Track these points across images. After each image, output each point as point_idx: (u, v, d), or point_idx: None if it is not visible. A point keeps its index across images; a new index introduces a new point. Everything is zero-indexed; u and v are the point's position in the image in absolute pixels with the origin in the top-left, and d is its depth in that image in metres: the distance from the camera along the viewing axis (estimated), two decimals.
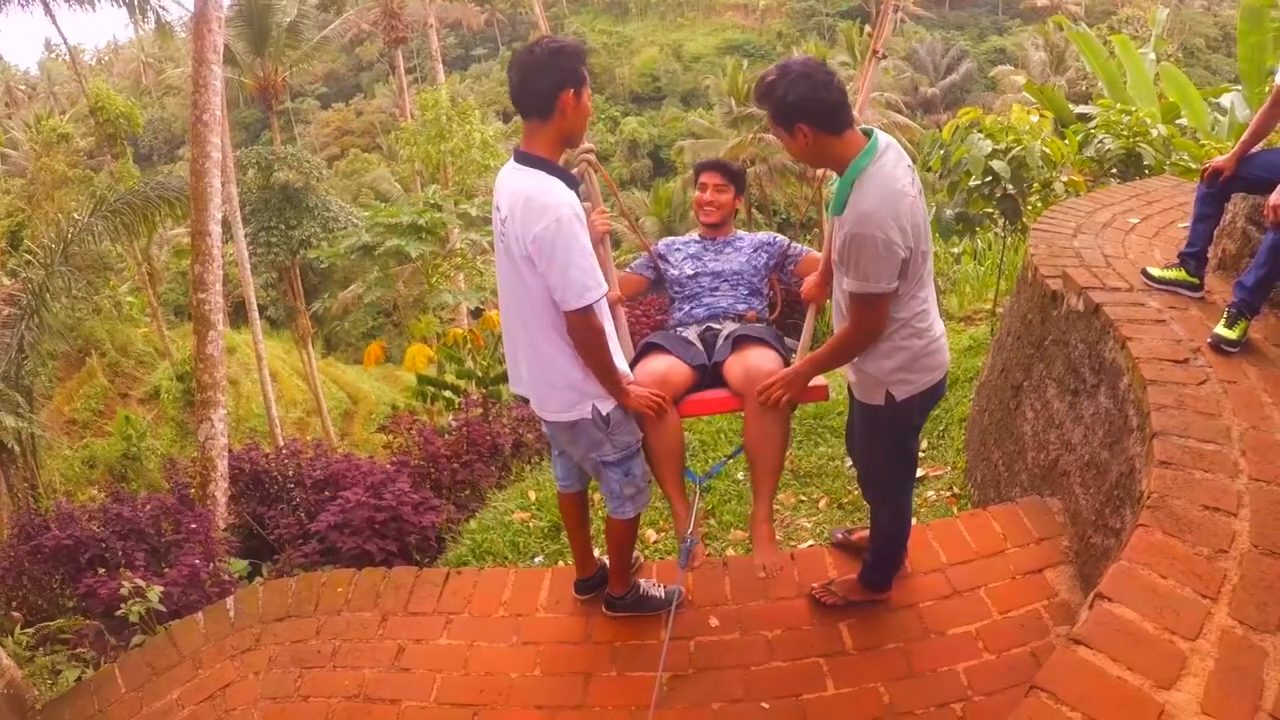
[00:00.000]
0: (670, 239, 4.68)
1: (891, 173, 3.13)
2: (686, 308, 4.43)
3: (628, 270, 4.63)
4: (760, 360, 3.83)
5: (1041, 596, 4.00)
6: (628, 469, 3.75)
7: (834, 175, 3.33)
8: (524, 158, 3.33)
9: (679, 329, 4.35)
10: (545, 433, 4.38)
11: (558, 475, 4.17)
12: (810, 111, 3.09)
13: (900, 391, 3.47)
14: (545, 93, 3.22)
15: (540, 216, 3.17)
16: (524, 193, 3.24)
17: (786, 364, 3.87)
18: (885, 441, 3.72)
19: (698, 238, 4.58)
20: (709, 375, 4.03)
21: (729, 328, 4.21)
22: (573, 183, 3.39)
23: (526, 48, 3.25)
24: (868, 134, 3.21)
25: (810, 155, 3.26)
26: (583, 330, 3.33)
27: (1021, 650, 3.75)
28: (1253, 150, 4.31)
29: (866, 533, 4.17)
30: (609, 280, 3.89)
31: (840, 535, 4.55)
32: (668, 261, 4.55)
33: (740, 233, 4.60)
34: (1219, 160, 4.36)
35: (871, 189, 3.10)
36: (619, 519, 3.92)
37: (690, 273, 4.45)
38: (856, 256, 3.12)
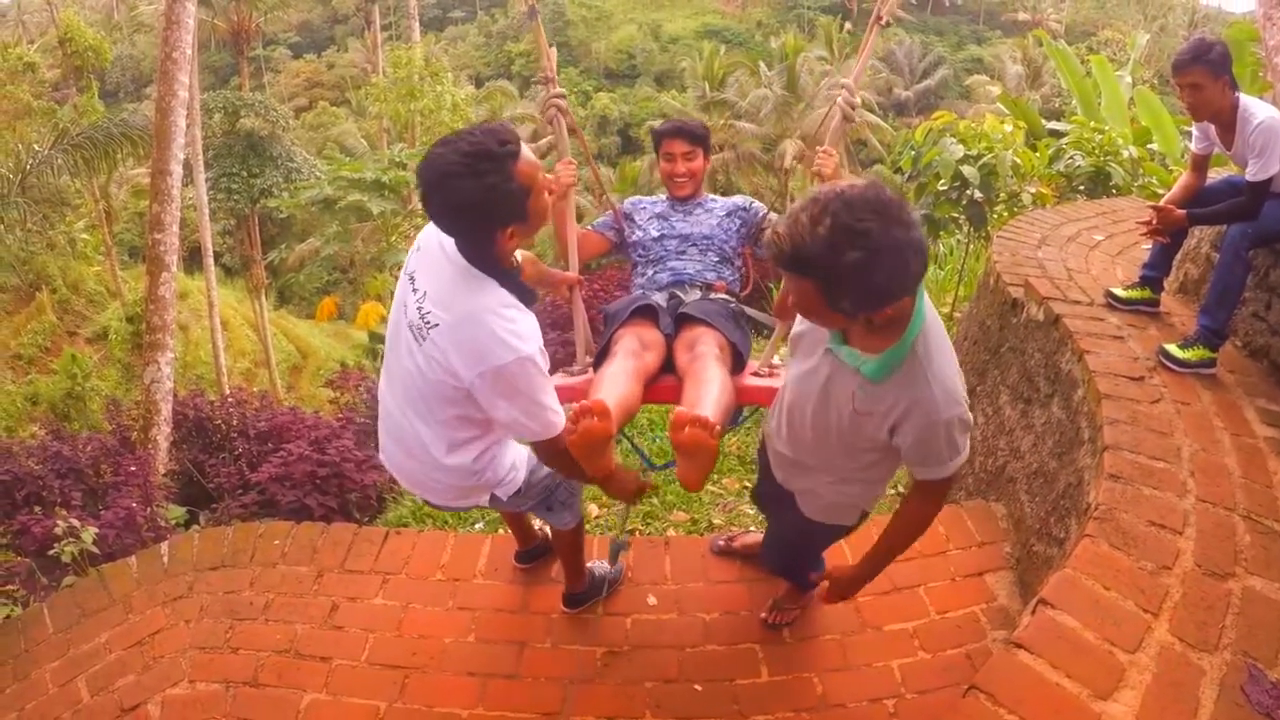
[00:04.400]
0: (637, 198, 4.29)
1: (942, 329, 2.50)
2: (650, 272, 4.04)
3: (589, 228, 4.20)
4: (709, 346, 3.39)
5: (980, 600, 4.03)
6: (549, 502, 3.48)
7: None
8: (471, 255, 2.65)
9: (645, 292, 3.94)
10: None
11: None
12: (889, 289, 2.17)
13: (874, 505, 3.10)
14: (480, 242, 2.59)
15: (488, 356, 2.56)
16: (471, 315, 2.57)
17: (735, 351, 3.53)
18: (820, 544, 3.47)
19: (666, 198, 4.19)
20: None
21: (693, 296, 3.85)
22: (532, 300, 2.75)
23: (444, 168, 2.41)
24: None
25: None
26: (553, 456, 2.87)
27: (957, 651, 3.78)
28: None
29: (750, 539, 4.20)
30: (571, 239, 3.80)
31: (721, 543, 4.43)
32: (633, 222, 4.17)
33: (712, 196, 4.20)
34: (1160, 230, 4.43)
35: (946, 346, 2.49)
36: (561, 529, 3.74)
37: (655, 234, 4.08)
38: (962, 438, 2.54)
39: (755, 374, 3.69)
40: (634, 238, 4.14)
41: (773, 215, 4.09)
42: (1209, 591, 2.76)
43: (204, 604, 4.28)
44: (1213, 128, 4.14)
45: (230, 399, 9.58)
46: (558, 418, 2.74)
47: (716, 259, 4.03)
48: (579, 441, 2.67)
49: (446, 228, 2.56)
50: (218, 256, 31.56)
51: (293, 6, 40.21)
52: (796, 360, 2.82)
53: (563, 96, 3.64)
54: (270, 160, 27.44)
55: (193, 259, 32.06)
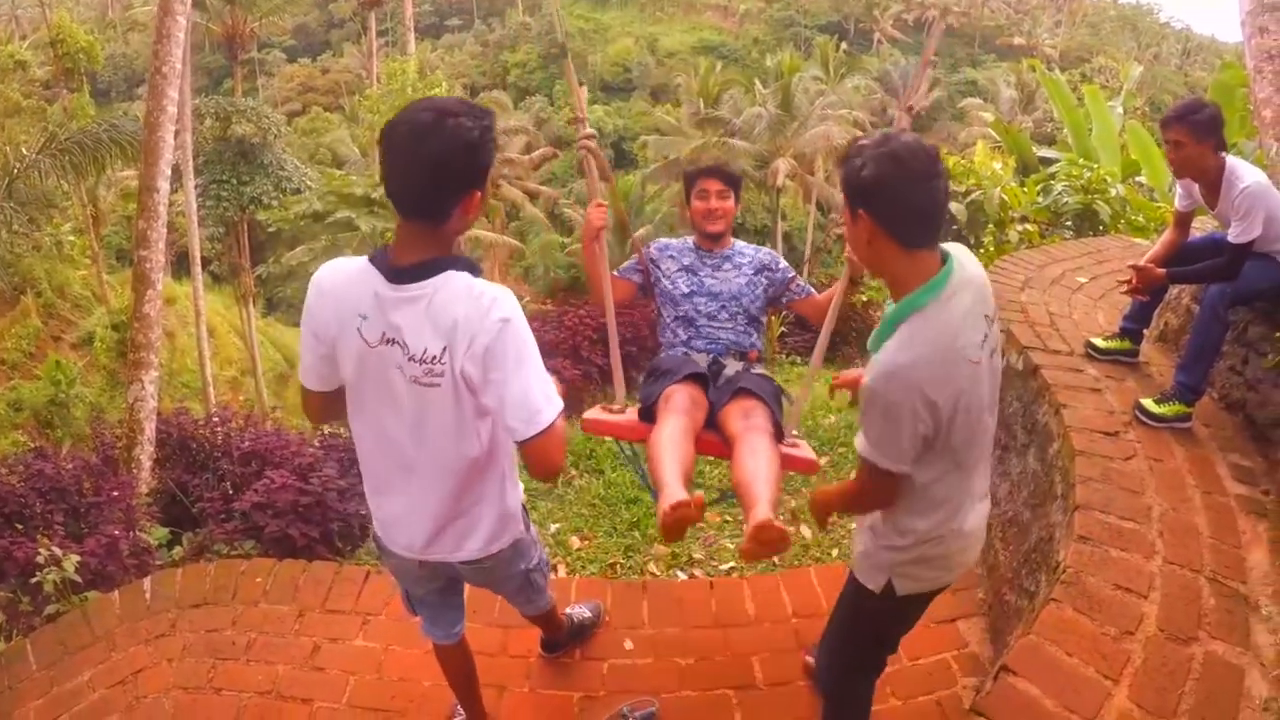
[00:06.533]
0: (664, 242, 4.39)
1: (955, 323, 2.40)
2: (684, 335, 4.19)
3: (615, 274, 4.30)
4: (759, 422, 3.61)
5: (952, 646, 4.07)
6: (541, 559, 3.27)
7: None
8: (417, 271, 2.46)
9: (687, 352, 4.14)
10: (403, 581, 3.22)
11: (437, 630, 3.34)
12: (882, 196, 2.36)
13: (904, 585, 2.76)
14: (446, 200, 2.43)
15: (485, 319, 2.42)
16: (453, 301, 2.44)
17: (777, 427, 3.71)
18: (864, 629, 3.02)
19: (693, 245, 4.30)
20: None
21: (732, 367, 4.05)
22: (477, 273, 2.56)
23: (415, 126, 2.36)
24: (944, 258, 2.47)
25: (866, 257, 2.54)
26: (554, 449, 2.53)
27: (928, 699, 3.81)
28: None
29: None
30: (605, 281, 3.99)
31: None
32: (659, 269, 4.28)
33: (739, 244, 4.34)
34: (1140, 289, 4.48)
35: (920, 339, 2.38)
36: (539, 613, 3.64)
37: (685, 290, 4.19)
38: (869, 415, 2.46)
39: (785, 444, 3.81)
40: (660, 286, 4.26)
41: (800, 282, 4.28)
42: (1170, 656, 2.80)
43: (186, 642, 4.30)
44: (1196, 186, 4.20)
45: (215, 417, 9.55)
46: (558, 398, 2.58)
47: (745, 321, 4.18)
48: (672, 525, 2.99)
49: (419, 186, 2.40)
50: (206, 263, 31.39)
51: (288, 10, 40.08)
52: None
53: (593, 137, 3.81)
54: (261, 168, 27.27)
55: (180, 264, 31.92)
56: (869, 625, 2.97)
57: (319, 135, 54.37)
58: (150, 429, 9.60)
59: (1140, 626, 2.91)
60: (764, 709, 3.80)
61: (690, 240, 4.32)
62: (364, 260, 2.55)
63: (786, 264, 4.34)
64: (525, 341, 2.47)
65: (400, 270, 2.46)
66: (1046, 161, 11.39)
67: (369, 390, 2.61)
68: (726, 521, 6.03)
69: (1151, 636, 2.87)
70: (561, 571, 5.45)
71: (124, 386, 11.47)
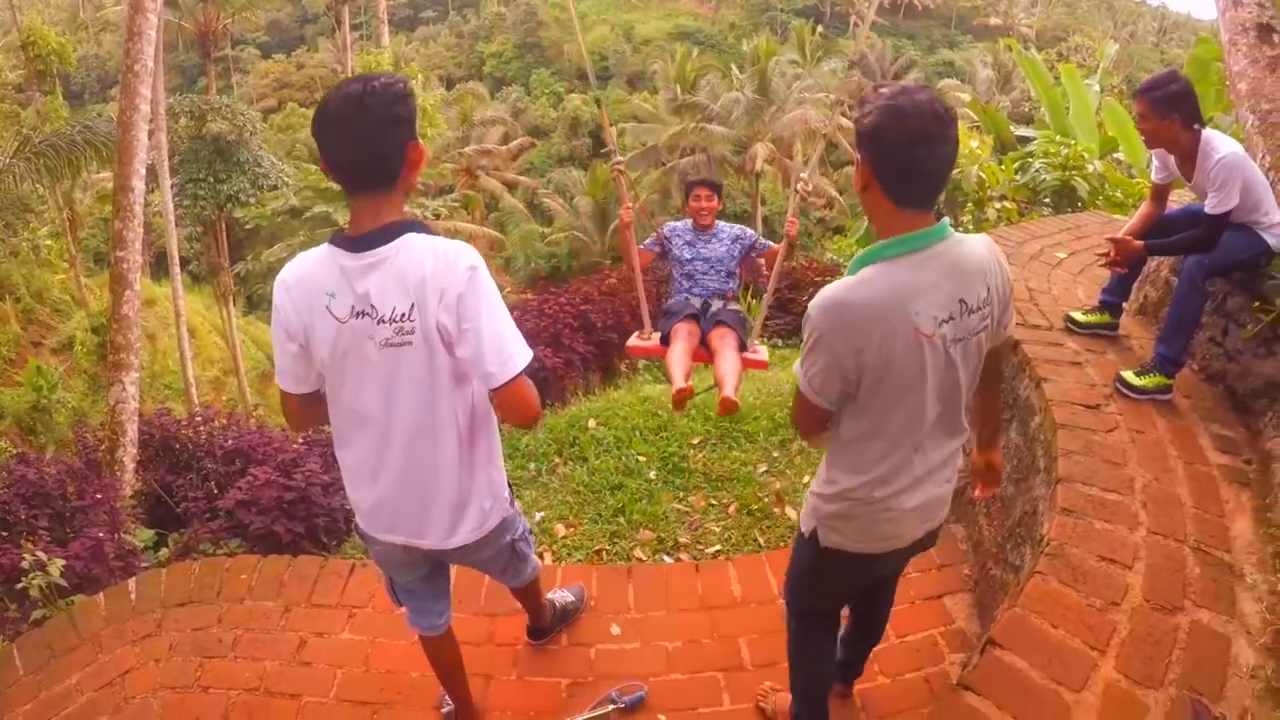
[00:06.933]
0: (671, 225, 6.28)
1: (914, 285, 2.38)
2: (687, 285, 6.08)
3: (642, 246, 6.19)
4: (730, 341, 5.58)
5: (939, 623, 4.08)
6: (525, 528, 3.32)
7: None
8: (376, 237, 2.54)
9: (693, 296, 6.02)
10: (388, 569, 3.24)
11: (423, 620, 3.37)
12: (878, 148, 2.37)
13: (826, 536, 2.79)
14: (393, 156, 2.53)
15: (453, 270, 2.50)
16: (418, 259, 2.51)
17: (742, 342, 5.65)
18: (797, 572, 3.09)
19: (691, 227, 6.16)
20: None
21: (715, 305, 5.96)
22: (431, 231, 2.65)
23: (347, 98, 2.45)
24: (941, 230, 2.44)
25: (863, 201, 2.52)
26: (530, 393, 2.65)
27: (916, 675, 3.83)
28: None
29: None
30: (635, 254, 5.91)
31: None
32: (670, 243, 6.16)
33: (721, 225, 6.21)
34: (1119, 262, 4.50)
35: (872, 285, 2.39)
36: (524, 583, 3.65)
37: (688, 257, 6.09)
38: (804, 338, 2.50)
39: (747, 352, 5.66)
40: (672, 254, 6.17)
41: (762, 241, 6.16)
42: (1156, 626, 2.81)
43: (173, 642, 4.28)
44: (1172, 159, 4.20)
45: (197, 417, 9.48)
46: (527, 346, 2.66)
47: (725, 274, 6.07)
48: (679, 400, 5.23)
49: (367, 150, 2.49)
50: (184, 263, 31.19)
51: (261, 7, 39.83)
52: None
53: (621, 162, 5.88)
54: (237, 165, 27.13)
55: (159, 265, 31.73)
56: (800, 570, 3.04)
57: (295, 131, 54.10)
58: (133, 430, 9.50)
59: (1125, 597, 2.91)
60: (752, 689, 3.79)
61: (689, 223, 6.17)
62: (324, 245, 2.63)
63: (752, 231, 6.28)
64: (493, 289, 2.57)
65: (359, 239, 2.53)
66: (1024, 140, 11.40)
67: (347, 368, 2.64)
68: (711, 505, 6.04)
69: (1137, 607, 2.88)
70: (547, 559, 5.45)
71: (105, 390, 11.37)
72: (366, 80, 2.46)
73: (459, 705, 3.66)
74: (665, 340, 5.83)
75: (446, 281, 2.48)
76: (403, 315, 2.51)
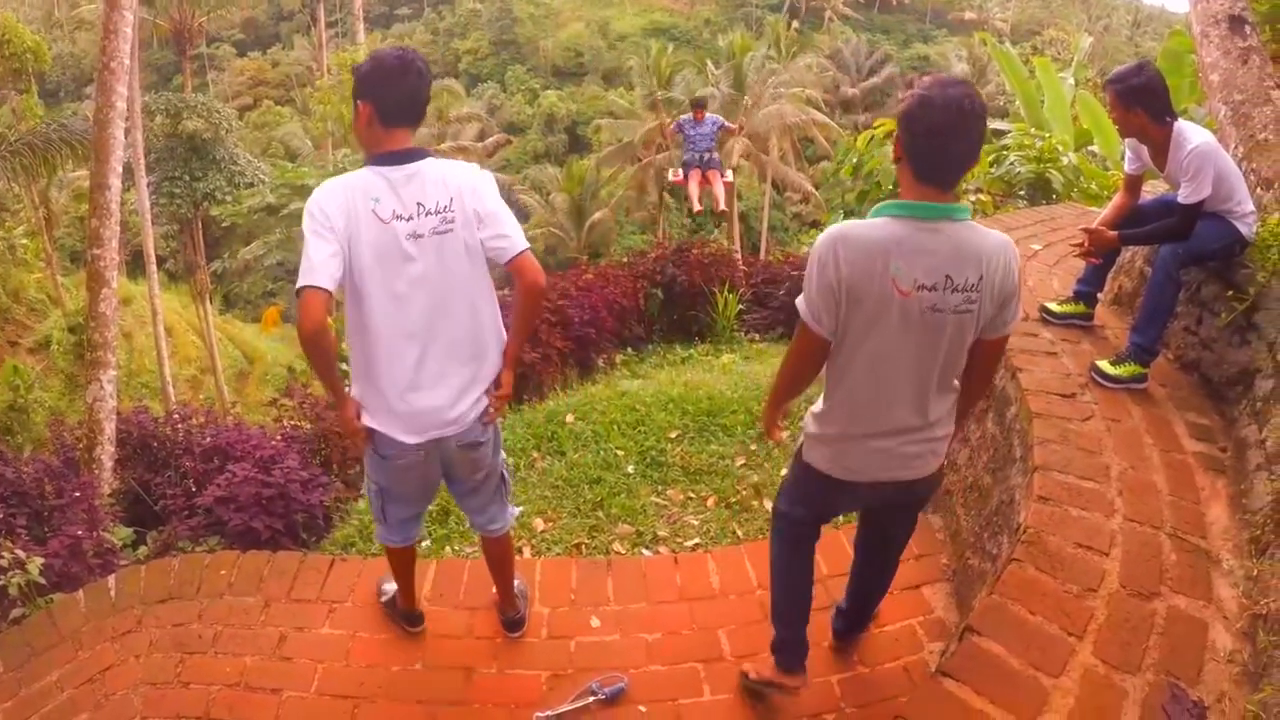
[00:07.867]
0: (682, 119, 14.20)
1: (904, 244, 2.68)
2: (692, 149, 13.65)
3: (673, 127, 16.10)
4: (714, 176, 13.84)
5: (918, 612, 4.11)
6: (509, 476, 3.95)
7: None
8: (411, 155, 3.29)
9: (696, 154, 13.62)
10: (395, 487, 3.66)
11: (397, 537, 3.85)
12: (906, 131, 2.69)
13: (809, 453, 3.16)
14: (425, 105, 3.37)
15: (472, 172, 3.36)
16: (448, 167, 3.32)
17: (720, 173, 14.02)
18: (791, 477, 3.40)
19: (692, 119, 13.68)
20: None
21: (706, 157, 13.62)
22: None
23: (410, 56, 3.30)
24: (958, 209, 2.73)
25: (897, 172, 2.85)
26: (537, 264, 3.37)
27: (895, 665, 3.86)
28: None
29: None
30: (695, 189, 13.87)
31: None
32: (683, 128, 13.85)
33: (707, 116, 13.64)
34: (1093, 252, 4.55)
35: (873, 229, 2.71)
36: (503, 534, 3.97)
37: (692, 134, 13.57)
38: (808, 269, 2.83)
39: (723, 178, 13.92)
40: (684, 133, 13.92)
41: (727, 123, 14.79)
42: (1134, 612, 2.83)
43: (153, 638, 4.26)
44: (1145, 149, 4.23)
45: (175, 415, 9.41)
46: None
47: (710, 143, 13.72)
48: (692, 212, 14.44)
49: (423, 99, 3.32)
50: (161, 261, 31.01)
51: (236, 4, 39.60)
52: None
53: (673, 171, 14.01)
54: (213, 163, 26.98)
55: (135, 263, 31.49)
56: (793, 474, 3.36)
57: (271, 129, 53.98)
58: (110, 429, 9.44)
59: (1102, 583, 2.94)
60: (732, 680, 3.81)
61: (691, 117, 13.75)
62: (359, 171, 3.29)
63: (721, 118, 14.33)
64: (492, 187, 3.41)
65: (400, 156, 3.24)
66: (999, 133, 11.43)
67: (389, 263, 3.21)
68: (689, 499, 6.03)
69: (1114, 593, 2.90)
70: (527, 553, 5.43)
71: (82, 389, 11.30)
72: (401, 48, 3.38)
73: (402, 591, 4.12)
74: (685, 177, 13.83)
75: (474, 180, 3.31)
76: (445, 206, 3.22)
